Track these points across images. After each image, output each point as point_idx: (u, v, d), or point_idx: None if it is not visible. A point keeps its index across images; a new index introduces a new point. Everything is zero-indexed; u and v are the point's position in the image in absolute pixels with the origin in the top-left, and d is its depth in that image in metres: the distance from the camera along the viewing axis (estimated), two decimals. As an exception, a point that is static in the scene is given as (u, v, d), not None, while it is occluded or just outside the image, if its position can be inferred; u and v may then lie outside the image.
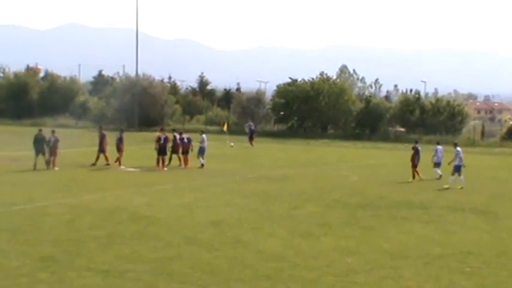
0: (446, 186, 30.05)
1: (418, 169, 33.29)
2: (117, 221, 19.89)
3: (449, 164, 31.37)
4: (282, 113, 75.48)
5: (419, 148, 33.84)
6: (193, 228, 19.07)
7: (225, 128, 59.38)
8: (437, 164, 33.91)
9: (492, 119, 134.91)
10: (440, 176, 33.09)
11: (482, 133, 71.79)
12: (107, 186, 28.00)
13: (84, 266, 14.56)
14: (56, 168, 33.53)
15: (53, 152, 34.14)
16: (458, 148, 31.76)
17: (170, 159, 36.62)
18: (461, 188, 29.83)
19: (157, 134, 37.43)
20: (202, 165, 36.75)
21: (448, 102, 73.23)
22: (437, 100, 74.60)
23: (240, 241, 17.54)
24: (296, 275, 14.39)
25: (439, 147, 34.85)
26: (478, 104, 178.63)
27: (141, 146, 38.33)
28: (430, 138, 66.69)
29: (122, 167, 34.89)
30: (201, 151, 37.58)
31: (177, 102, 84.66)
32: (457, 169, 30.73)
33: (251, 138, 56.39)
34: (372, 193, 27.91)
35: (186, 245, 16.85)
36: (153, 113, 77.58)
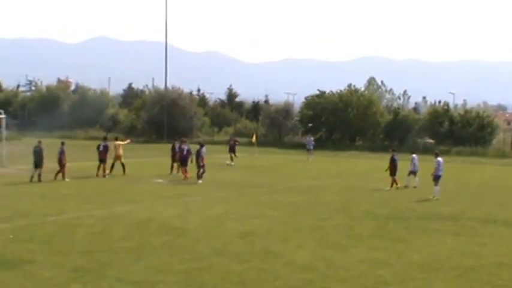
0: (430, 196, 30.03)
1: (396, 177, 33.90)
2: (147, 232, 19.98)
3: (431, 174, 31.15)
4: (310, 124, 75.43)
5: (396, 157, 34.56)
6: (223, 240, 19.08)
7: (253, 139, 59.43)
8: (413, 172, 34.97)
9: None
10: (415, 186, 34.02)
11: (512, 144, 70.92)
12: (137, 197, 28.16)
13: (115, 276, 14.63)
14: (67, 180, 33.69)
15: (61, 163, 34.10)
16: (439, 158, 31.91)
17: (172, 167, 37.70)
18: (437, 199, 29.63)
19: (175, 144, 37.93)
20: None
21: (478, 113, 72.43)
22: (466, 111, 73.81)
23: (270, 252, 17.50)
24: (326, 286, 14.33)
25: (414, 156, 36.10)
26: (507, 115, 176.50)
27: (170, 157, 38.48)
28: (459, 150, 66.30)
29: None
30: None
31: (205, 114, 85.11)
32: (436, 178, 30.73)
33: (232, 152, 48.86)
34: (401, 204, 27.75)
35: (215, 257, 16.86)
36: (182, 125, 78.04)
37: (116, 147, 37.82)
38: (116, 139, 40.08)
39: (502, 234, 21.51)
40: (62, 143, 35.38)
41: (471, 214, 25.53)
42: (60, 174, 34.02)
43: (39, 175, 32.97)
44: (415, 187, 33.50)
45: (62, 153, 34.34)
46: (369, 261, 16.79)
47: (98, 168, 36.30)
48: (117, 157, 37.53)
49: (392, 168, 34.06)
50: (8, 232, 19.45)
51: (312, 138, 56.89)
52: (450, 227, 22.38)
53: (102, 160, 36.42)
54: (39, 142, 34.47)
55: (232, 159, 47.66)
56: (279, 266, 15.96)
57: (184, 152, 36.74)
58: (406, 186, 33.90)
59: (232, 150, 48.36)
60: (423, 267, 16.29)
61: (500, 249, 19.00)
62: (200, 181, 34.18)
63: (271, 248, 18.02)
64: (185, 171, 36.32)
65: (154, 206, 25.70)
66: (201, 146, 35.85)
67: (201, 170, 34.78)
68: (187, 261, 16.29)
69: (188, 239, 19.15)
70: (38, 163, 33.26)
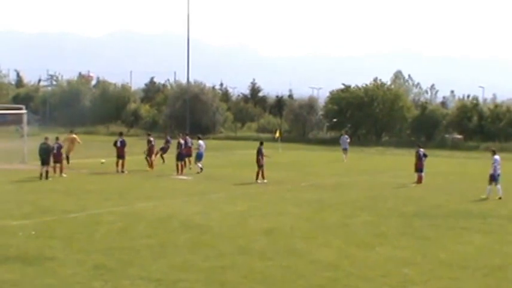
0: (483, 196, 28.53)
1: (422, 174, 33.23)
2: (169, 230, 19.84)
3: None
4: (334, 119, 74.89)
5: (422, 153, 33.85)
6: (246, 237, 18.88)
7: (277, 135, 59.11)
8: (494, 179, 29.37)
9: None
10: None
11: (545, 140, 69.64)
12: (158, 194, 28.04)
13: (137, 274, 14.50)
14: (64, 175, 33.53)
15: (58, 158, 33.76)
16: (496, 156, 29.52)
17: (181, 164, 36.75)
18: (500, 198, 28.19)
19: (179, 139, 37.54)
20: (201, 169, 36.83)
21: (508, 108, 71.27)
22: (496, 106, 72.66)
23: (294, 250, 17.28)
24: (351, 285, 14.10)
25: (497, 157, 30.34)
26: None
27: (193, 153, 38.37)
28: (488, 146, 65.17)
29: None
30: (198, 157, 37.51)
31: (228, 109, 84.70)
32: (493, 178, 28.81)
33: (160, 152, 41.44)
34: (428, 202, 27.32)
35: (239, 254, 16.68)
36: (205, 120, 77.71)
37: (70, 141, 37.78)
38: (71, 132, 39.93)
39: (531, 232, 21.06)
40: (57, 138, 34.88)
41: (500, 212, 25.06)
42: (58, 170, 33.78)
43: (47, 172, 32.56)
44: (499, 198, 28.27)
45: (59, 148, 33.98)
46: (395, 259, 16.52)
47: (117, 164, 36.23)
48: (69, 150, 37.44)
49: (418, 164, 33.53)
50: (29, 228, 19.40)
51: (347, 136, 52.47)
52: (478, 225, 21.98)
53: (120, 156, 36.34)
54: (46, 139, 33.99)
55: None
56: (302, 264, 15.75)
57: (183, 146, 36.59)
58: (486, 198, 28.53)
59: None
60: (450, 266, 15.98)
61: (530, 247, 18.58)
62: (265, 180, 33.09)
63: (295, 246, 17.81)
64: (183, 166, 36.20)
65: (177, 203, 25.58)
66: (261, 143, 34.83)
67: (262, 169, 33.65)
68: (209, 259, 16.12)
69: (211, 236, 18.98)
70: (45, 160, 32.78)
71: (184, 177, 34.71)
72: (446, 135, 71.33)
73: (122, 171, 35.85)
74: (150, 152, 38.15)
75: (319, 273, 14.95)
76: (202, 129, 72.87)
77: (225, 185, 32.00)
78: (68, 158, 37.15)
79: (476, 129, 68.94)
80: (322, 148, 61.22)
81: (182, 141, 36.81)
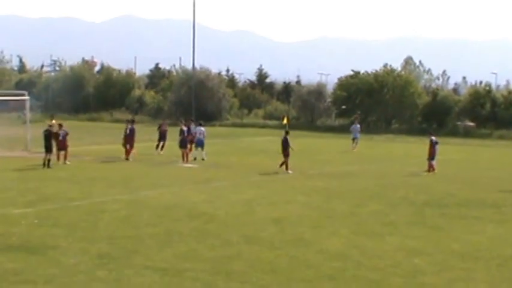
0: None
1: (433, 162, 32.61)
2: (174, 218, 19.52)
3: None
4: (343, 106, 74.44)
5: (434, 140, 33.32)
6: (253, 226, 18.55)
7: (284, 121, 58.69)
8: None
9: None
10: None
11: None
12: (164, 182, 27.72)
13: (142, 263, 14.22)
14: (68, 163, 33.07)
15: (63, 146, 33.26)
16: None
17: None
18: None
19: (182, 126, 36.98)
20: (195, 158, 36.48)
21: None
22: (510, 92, 71.97)
23: (302, 240, 16.96)
24: (360, 275, 13.76)
25: None
26: None
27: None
28: (502, 133, 64.60)
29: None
30: (198, 143, 36.99)
31: (235, 95, 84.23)
32: None
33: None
34: (440, 190, 26.91)
35: (245, 244, 16.36)
36: (211, 107, 77.19)
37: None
38: (52, 117, 39.51)
39: (545, 222, 20.67)
40: (60, 125, 34.14)
41: (513, 201, 24.59)
42: (62, 157, 33.29)
43: (49, 160, 31.91)
44: None
45: (64, 135, 33.43)
46: (405, 249, 16.19)
47: (126, 151, 35.87)
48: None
49: (431, 152, 32.98)
50: (32, 217, 19.12)
51: (359, 125, 50.00)
52: (491, 215, 21.57)
53: (128, 144, 35.92)
54: (50, 126, 33.45)
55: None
56: (311, 254, 15.45)
57: (186, 134, 36.04)
58: None
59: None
60: (462, 256, 15.64)
61: (544, 237, 18.21)
62: (290, 171, 31.83)
63: (303, 235, 17.48)
64: (187, 154, 35.72)
65: (182, 191, 25.26)
66: (287, 133, 33.81)
67: (287, 160, 32.44)
68: (216, 248, 15.83)
69: (217, 225, 18.66)
70: (47, 147, 32.18)
71: (190, 165, 34.40)
72: (458, 123, 70.73)
73: (127, 159, 35.49)
74: (128, 140, 36.48)
75: (328, 263, 14.64)
76: (208, 115, 72.39)
77: (231, 173, 31.68)
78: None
79: (489, 116, 68.31)
80: (330, 135, 60.88)
81: (185, 128, 36.37)
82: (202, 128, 37.65)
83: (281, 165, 32.30)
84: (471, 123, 70.00)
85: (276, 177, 30.35)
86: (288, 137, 32.90)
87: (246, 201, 23.09)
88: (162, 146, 39.37)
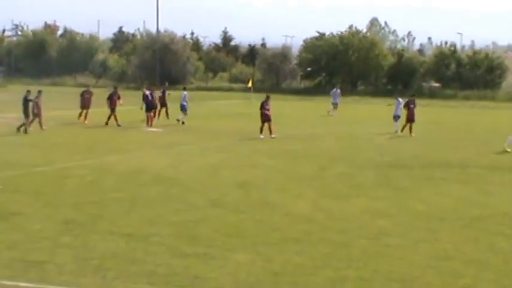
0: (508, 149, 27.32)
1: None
2: (139, 183, 19.34)
3: None
4: (309, 69, 74.30)
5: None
6: (219, 190, 18.45)
7: (249, 85, 58.49)
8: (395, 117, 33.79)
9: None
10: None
11: (523, 87, 69.66)
12: (128, 147, 27.47)
13: (107, 229, 14.07)
14: (44, 128, 32.54)
15: (39, 112, 32.65)
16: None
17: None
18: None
19: (144, 91, 36.70)
20: (183, 122, 36.49)
21: (486, 55, 70.89)
22: (475, 53, 72.17)
23: (267, 203, 16.90)
24: (326, 237, 13.74)
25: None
26: None
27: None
28: (467, 94, 65.06)
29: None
30: (182, 108, 36.94)
31: (199, 59, 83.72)
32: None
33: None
34: (405, 152, 27.07)
35: (211, 208, 16.26)
36: (175, 71, 76.55)
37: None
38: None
39: (510, 182, 20.90)
40: (28, 91, 33.27)
41: (478, 161, 24.83)
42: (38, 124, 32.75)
43: (25, 126, 31.49)
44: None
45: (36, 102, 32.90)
46: (371, 211, 16.21)
47: (114, 118, 35.35)
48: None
49: (409, 114, 33.19)
50: (-5, 183, 18.78)
51: (339, 90, 48.76)
52: (456, 175, 21.74)
53: (113, 109, 35.51)
54: (28, 92, 32.92)
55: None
56: (277, 217, 15.41)
57: (150, 98, 35.82)
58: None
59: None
60: (427, 217, 15.71)
61: (508, 197, 18.41)
62: (274, 135, 31.15)
63: (268, 199, 17.44)
64: (152, 118, 35.56)
65: (147, 156, 25.08)
66: (267, 97, 32.35)
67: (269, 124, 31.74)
68: (181, 212, 15.72)
69: (182, 189, 18.52)
70: (26, 113, 31.89)
71: (154, 129, 34.13)
72: (424, 84, 71.06)
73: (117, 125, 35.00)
74: (86, 104, 36.73)
75: (294, 226, 14.60)
76: (172, 79, 71.43)
77: (196, 137, 31.48)
78: None
79: (454, 76, 68.66)
80: (296, 98, 60.81)
81: (147, 92, 36.06)
82: (185, 92, 37.75)
83: (263, 130, 31.40)
84: (436, 84, 70.41)
85: (241, 141, 30.23)
86: (268, 101, 31.97)
87: (211, 165, 22.95)
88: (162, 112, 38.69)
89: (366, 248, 13.08)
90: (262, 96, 33.44)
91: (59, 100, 46.52)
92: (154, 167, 22.07)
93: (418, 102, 34.71)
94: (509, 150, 27.05)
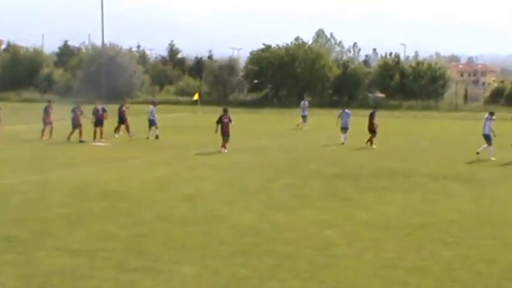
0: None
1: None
2: (86, 198, 19.16)
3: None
4: (255, 81, 74.55)
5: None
6: (166, 204, 18.42)
7: (195, 97, 58.41)
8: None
9: (476, 82, 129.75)
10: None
11: (465, 97, 70.87)
12: (74, 161, 27.21)
13: (53, 245, 13.89)
14: None
15: None
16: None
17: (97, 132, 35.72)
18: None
19: (96, 105, 36.51)
20: (156, 136, 36.45)
21: (429, 65, 72.09)
22: (418, 63, 73.26)
23: (214, 216, 16.93)
24: (272, 249, 13.81)
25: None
26: (460, 66, 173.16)
27: (109, 119, 37.24)
28: (410, 104, 66.11)
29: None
30: (151, 123, 37.03)
31: (146, 72, 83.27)
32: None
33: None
34: (350, 162, 27.41)
35: (158, 221, 16.21)
36: (121, 84, 75.78)
37: None
38: None
39: (453, 190, 21.31)
40: None
41: (422, 170, 25.30)
42: None
43: None
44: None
45: None
46: (317, 222, 16.34)
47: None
48: None
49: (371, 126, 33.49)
50: None
51: (307, 103, 48.14)
52: (401, 185, 22.12)
53: (77, 126, 35.09)
54: None
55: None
56: (224, 230, 15.44)
57: (100, 112, 35.68)
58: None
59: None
60: (372, 226, 15.91)
61: (451, 205, 18.77)
62: (225, 150, 31.04)
63: (216, 212, 17.46)
64: (101, 132, 35.40)
65: (94, 170, 24.83)
66: (225, 111, 32.21)
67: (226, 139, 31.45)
68: (128, 226, 15.63)
69: (129, 203, 18.41)
70: None
71: (101, 144, 33.87)
72: (369, 94, 71.90)
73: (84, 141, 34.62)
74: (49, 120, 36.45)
75: (240, 239, 14.66)
76: (119, 93, 70.73)
77: (143, 151, 31.36)
78: None
79: (398, 87, 69.57)
80: (243, 111, 60.79)
81: (99, 107, 35.88)
82: (152, 107, 37.73)
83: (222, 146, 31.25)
84: (381, 95, 71.33)
85: (188, 154, 30.18)
86: (227, 115, 31.69)
87: (159, 178, 22.90)
88: (122, 127, 38.46)
89: (313, 258, 13.17)
90: (209, 109, 33.54)
91: (2, 115, 45.69)
92: (101, 182, 21.91)
93: (364, 113, 35.25)
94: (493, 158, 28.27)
